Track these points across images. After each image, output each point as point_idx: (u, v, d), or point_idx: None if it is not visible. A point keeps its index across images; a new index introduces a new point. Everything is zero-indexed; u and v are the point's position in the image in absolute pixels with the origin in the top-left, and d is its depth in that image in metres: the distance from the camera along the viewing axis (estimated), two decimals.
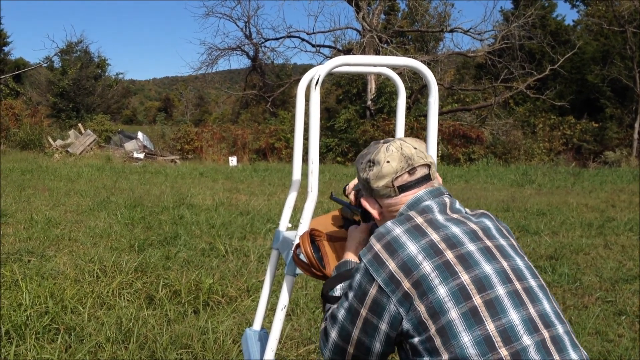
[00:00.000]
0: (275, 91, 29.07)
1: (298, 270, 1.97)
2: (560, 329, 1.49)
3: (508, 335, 1.42)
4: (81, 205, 9.72)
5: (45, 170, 15.47)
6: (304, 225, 1.95)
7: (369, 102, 25.74)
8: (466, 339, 1.40)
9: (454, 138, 23.32)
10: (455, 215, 1.64)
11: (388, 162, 1.67)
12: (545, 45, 26.51)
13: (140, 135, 25.23)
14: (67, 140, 22.83)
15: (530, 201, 11.55)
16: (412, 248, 1.52)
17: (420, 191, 1.67)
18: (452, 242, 1.54)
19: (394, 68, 2.25)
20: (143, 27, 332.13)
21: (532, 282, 1.55)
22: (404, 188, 1.67)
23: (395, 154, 1.68)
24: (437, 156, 2.00)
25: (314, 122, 1.88)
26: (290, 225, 2.32)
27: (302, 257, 1.89)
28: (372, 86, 25.82)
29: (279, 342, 4.13)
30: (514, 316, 1.45)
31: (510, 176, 17.10)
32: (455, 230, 1.58)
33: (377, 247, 1.57)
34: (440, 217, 1.61)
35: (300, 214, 1.98)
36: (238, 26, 34.31)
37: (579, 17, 36.04)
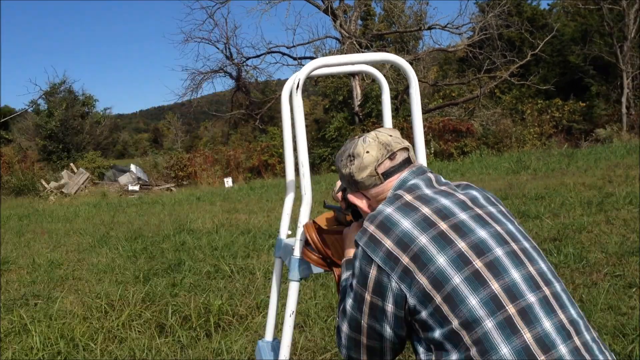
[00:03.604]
0: (262, 108, 29.14)
1: (302, 275, 1.98)
2: (558, 287, 1.51)
3: (513, 292, 1.43)
4: (82, 244, 9.69)
5: (42, 213, 15.43)
6: (301, 230, 1.96)
7: (357, 108, 25.80)
8: (473, 301, 1.41)
9: (445, 133, 23.37)
10: (442, 188, 1.67)
11: (367, 152, 1.69)
12: (523, 32, 26.67)
13: (133, 167, 25.23)
14: (61, 181, 22.80)
15: (528, 186, 11.57)
16: (406, 224, 1.53)
17: (403, 173, 1.69)
18: (444, 213, 1.55)
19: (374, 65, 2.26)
20: (123, 61, 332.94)
21: (526, 244, 1.57)
22: (387, 174, 1.69)
23: (373, 144, 1.70)
24: (428, 148, 2.00)
25: (300, 125, 1.90)
26: (290, 233, 2.33)
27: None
28: (357, 92, 25.90)
29: (295, 352, 4.12)
30: (515, 275, 1.46)
31: (504, 164, 17.11)
32: (445, 201, 1.59)
33: (371, 228, 1.57)
34: (428, 192, 1.63)
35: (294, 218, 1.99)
36: (218, 48, 34.12)
37: (553, 1, 36.32)
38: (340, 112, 27.18)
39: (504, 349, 1.37)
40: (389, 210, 1.58)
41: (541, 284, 1.48)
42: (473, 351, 1.38)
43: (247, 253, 7.75)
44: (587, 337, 1.44)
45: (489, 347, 1.38)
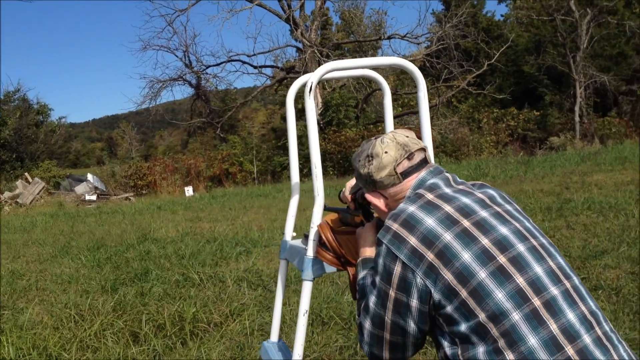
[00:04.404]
0: (223, 116, 28.95)
1: (315, 274, 1.99)
2: (576, 280, 1.58)
3: (537, 286, 1.49)
4: (42, 254, 9.46)
5: None
6: (315, 230, 1.98)
7: (318, 117, 25.88)
8: (500, 294, 1.47)
9: None
10: (460, 187, 1.72)
11: (386, 152, 1.73)
12: (479, 42, 27.23)
13: (90, 177, 24.77)
14: (15, 191, 22.21)
15: None
16: (430, 221, 1.58)
17: (421, 173, 1.74)
18: (466, 211, 1.61)
19: (375, 68, 2.30)
20: (75, 69, 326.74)
21: (544, 240, 1.64)
22: (406, 174, 1.74)
23: (391, 144, 1.74)
24: (432, 144, 2.06)
25: (312, 128, 1.92)
26: (295, 234, 2.34)
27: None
28: (318, 100, 25.99)
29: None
30: (538, 269, 1.52)
31: (463, 172, 17.36)
32: (466, 200, 1.65)
33: (395, 226, 1.61)
34: (448, 191, 1.68)
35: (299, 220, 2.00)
36: (177, 56, 33.60)
37: (507, 12, 37.18)
38: (300, 120, 27.22)
39: (532, 340, 1.42)
40: (412, 208, 1.63)
41: (562, 277, 1.54)
42: (501, 343, 1.43)
43: (215, 261, 7.69)
44: (606, 327, 1.51)
45: (517, 338, 1.43)
